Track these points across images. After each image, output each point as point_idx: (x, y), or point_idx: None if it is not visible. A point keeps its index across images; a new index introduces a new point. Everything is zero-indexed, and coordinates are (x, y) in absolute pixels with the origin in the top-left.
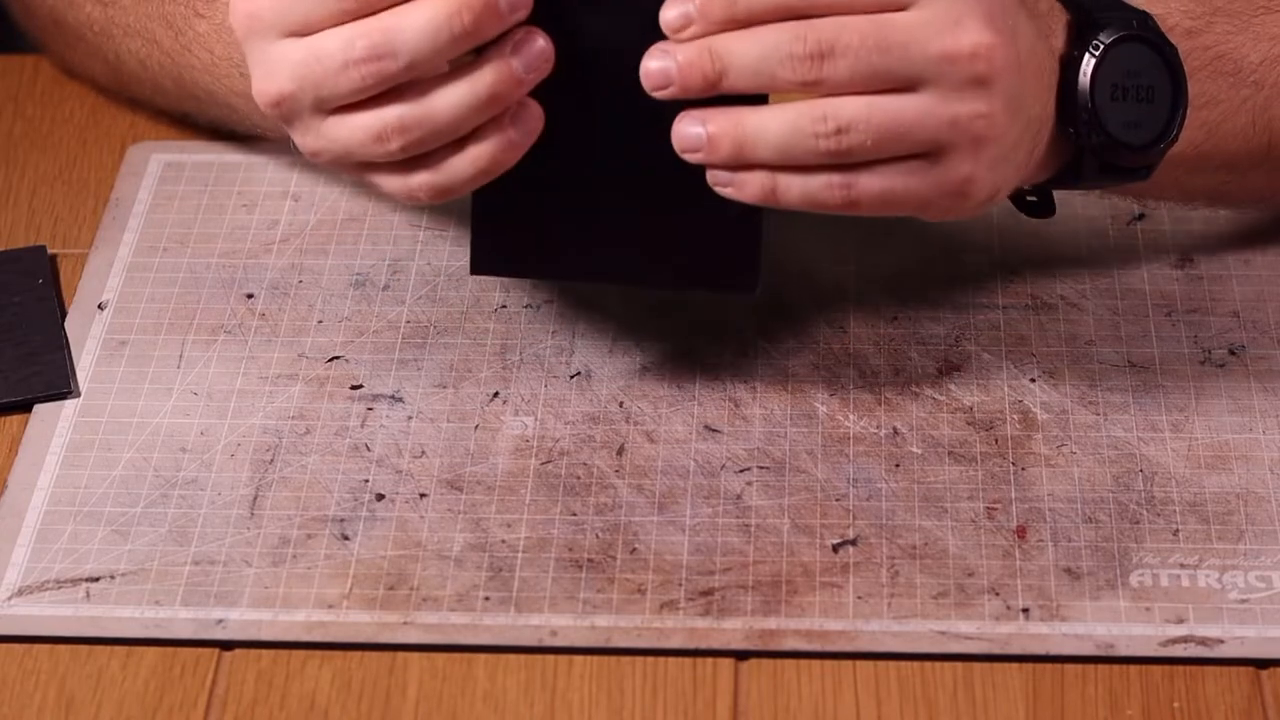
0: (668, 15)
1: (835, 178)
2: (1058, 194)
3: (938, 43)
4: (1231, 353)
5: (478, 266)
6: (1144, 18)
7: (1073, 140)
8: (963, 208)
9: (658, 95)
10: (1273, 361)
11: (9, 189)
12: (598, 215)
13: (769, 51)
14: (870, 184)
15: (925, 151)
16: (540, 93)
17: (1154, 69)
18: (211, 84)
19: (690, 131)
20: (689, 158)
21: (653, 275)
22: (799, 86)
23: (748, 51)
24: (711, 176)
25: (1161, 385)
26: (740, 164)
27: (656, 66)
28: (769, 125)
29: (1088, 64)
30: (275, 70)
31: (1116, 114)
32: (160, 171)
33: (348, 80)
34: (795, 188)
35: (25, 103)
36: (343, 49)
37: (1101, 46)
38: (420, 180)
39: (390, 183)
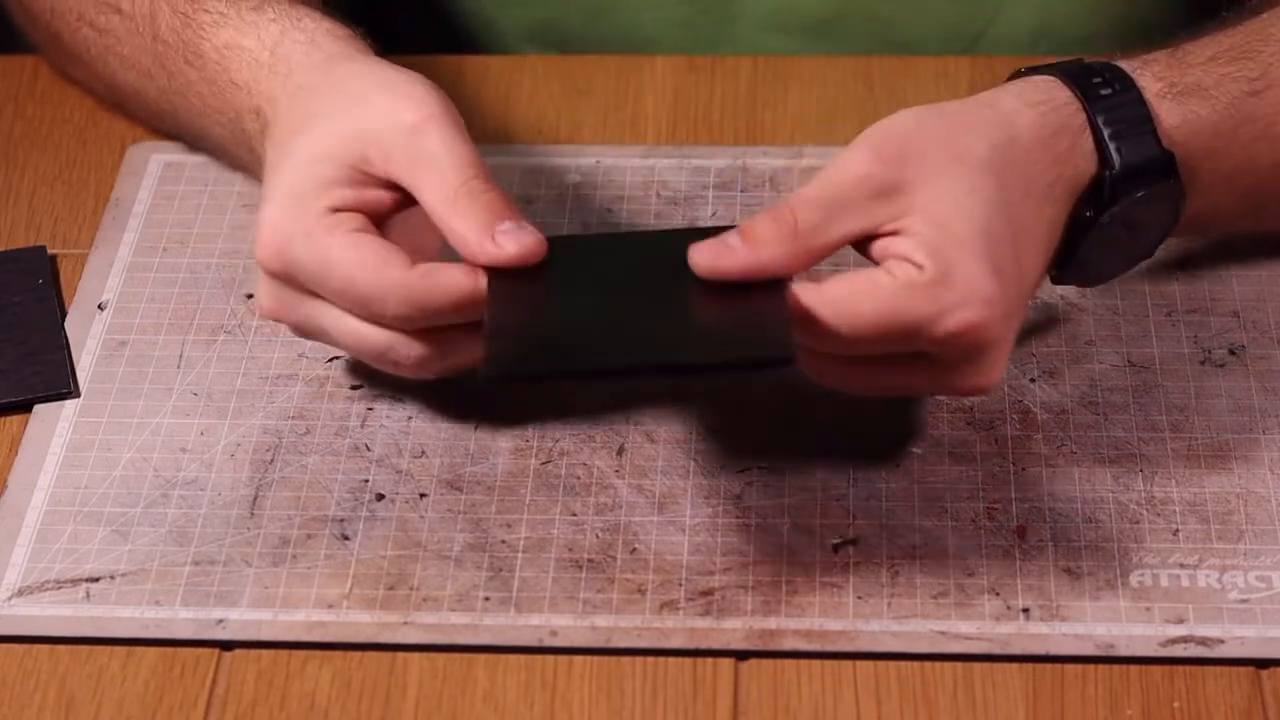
0: (698, 261)
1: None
2: None
3: (959, 388)
4: (1231, 353)
5: (493, 369)
6: (1169, 165)
7: (1052, 276)
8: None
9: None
10: (1273, 361)
11: (9, 189)
12: (623, 327)
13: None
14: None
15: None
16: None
17: (1153, 218)
18: (205, 127)
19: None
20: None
21: (686, 357)
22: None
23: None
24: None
25: (1161, 385)
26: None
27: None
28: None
29: (1095, 232)
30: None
31: (1105, 260)
32: (160, 171)
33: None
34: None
35: (25, 103)
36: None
37: (1112, 215)
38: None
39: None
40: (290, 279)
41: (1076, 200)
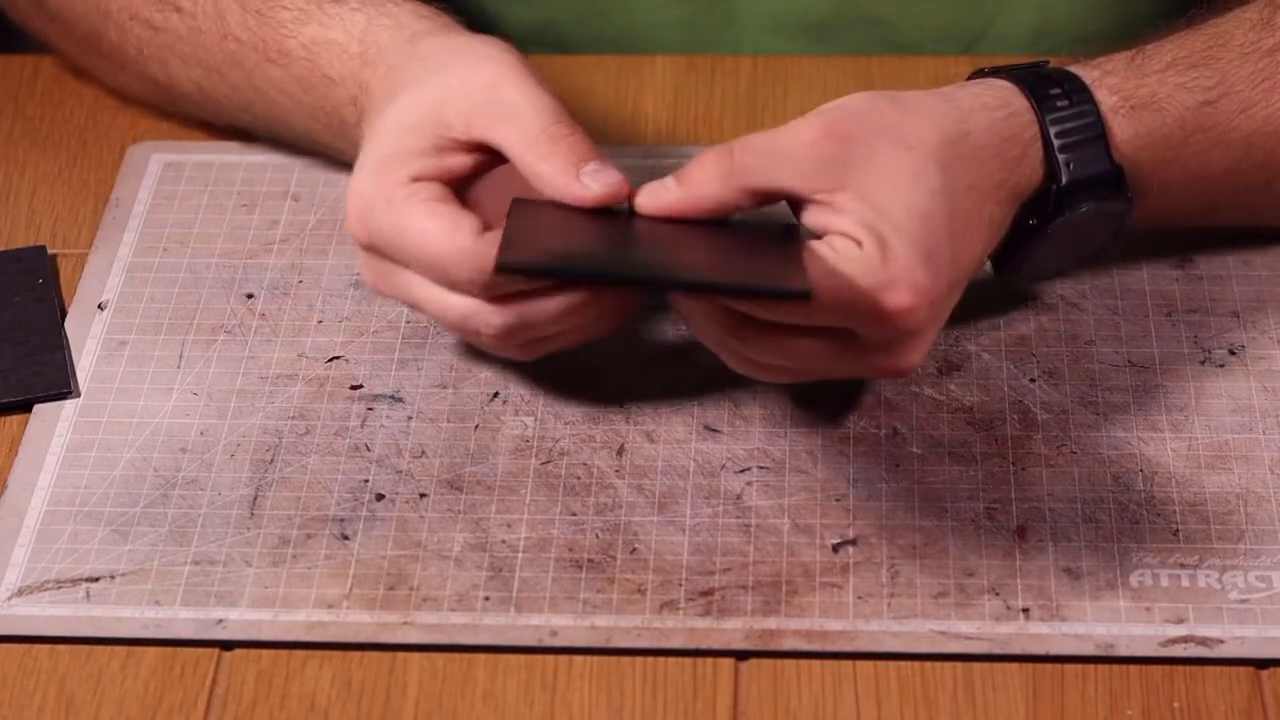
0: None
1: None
2: None
3: (878, 367)
4: (1231, 353)
5: (508, 259)
6: (1117, 178)
7: (994, 269)
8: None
9: None
10: (1273, 361)
11: (9, 189)
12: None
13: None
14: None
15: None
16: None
17: (1105, 225)
18: (295, 123)
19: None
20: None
21: (705, 277)
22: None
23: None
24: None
25: (1161, 385)
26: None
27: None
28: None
29: (1039, 237)
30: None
31: (1048, 262)
32: (160, 171)
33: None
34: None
35: (25, 103)
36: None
37: (1057, 225)
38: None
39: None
40: (376, 248)
41: (1021, 206)
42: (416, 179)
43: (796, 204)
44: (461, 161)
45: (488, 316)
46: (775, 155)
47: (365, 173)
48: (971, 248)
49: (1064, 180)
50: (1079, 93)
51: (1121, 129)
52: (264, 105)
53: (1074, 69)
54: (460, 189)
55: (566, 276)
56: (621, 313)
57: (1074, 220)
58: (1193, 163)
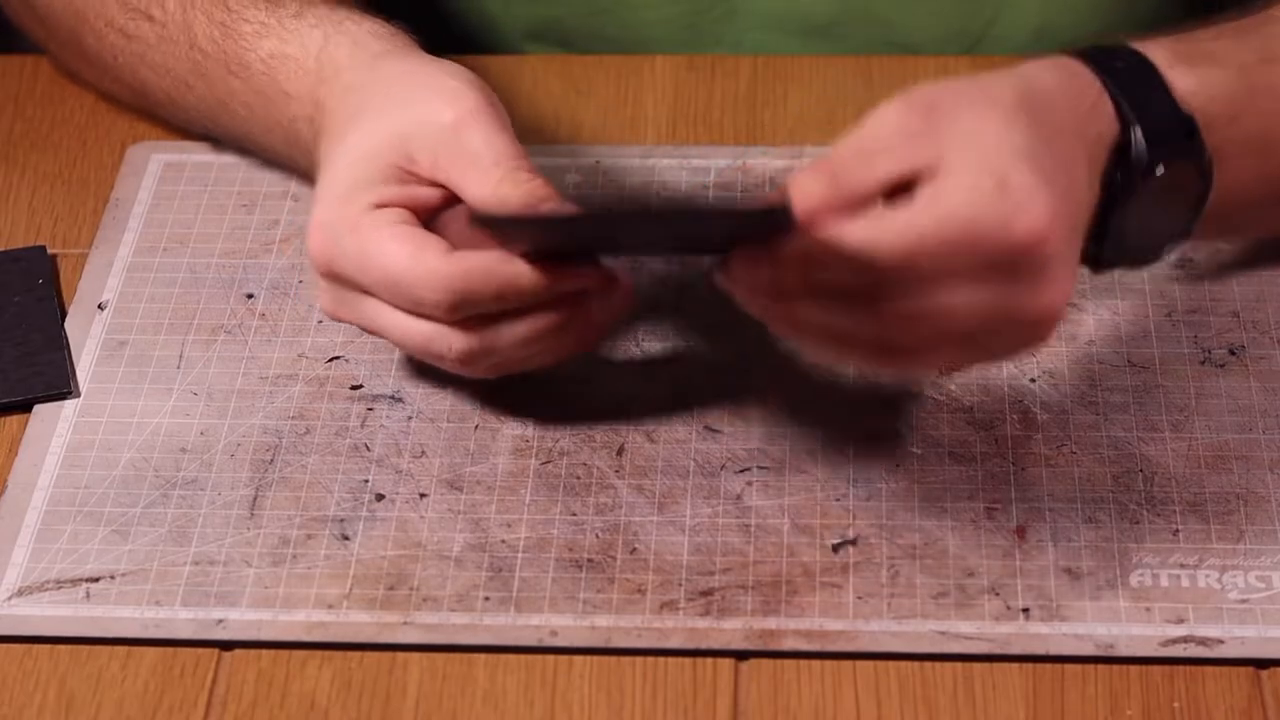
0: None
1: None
2: None
3: (1024, 312)
4: (1231, 353)
5: (484, 209)
6: (1190, 126)
7: (1092, 254)
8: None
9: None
10: (1273, 361)
11: (9, 189)
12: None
13: (838, 336)
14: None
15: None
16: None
17: (1185, 181)
18: (254, 135)
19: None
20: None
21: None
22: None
23: (825, 322)
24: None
25: (1161, 385)
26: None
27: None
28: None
29: (1127, 192)
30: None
31: (1140, 234)
32: (160, 171)
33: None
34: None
35: (25, 103)
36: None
37: (1141, 172)
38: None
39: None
40: (339, 277)
41: (1104, 164)
42: (381, 206)
43: (908, 189)
44: (426, 194)
45: (451, 340)
46: (869, 149)
47: (328, 201)
48: (1079, 188)
49: (1138, 127)
50: (1130, 53)
51: (1183, 80)
52: (227, 117)
53: (1118, 41)
54: (424, 221)
55: (546, 225)
56: (591, 331)
57: (1158, 180)
58: (1261, 123)
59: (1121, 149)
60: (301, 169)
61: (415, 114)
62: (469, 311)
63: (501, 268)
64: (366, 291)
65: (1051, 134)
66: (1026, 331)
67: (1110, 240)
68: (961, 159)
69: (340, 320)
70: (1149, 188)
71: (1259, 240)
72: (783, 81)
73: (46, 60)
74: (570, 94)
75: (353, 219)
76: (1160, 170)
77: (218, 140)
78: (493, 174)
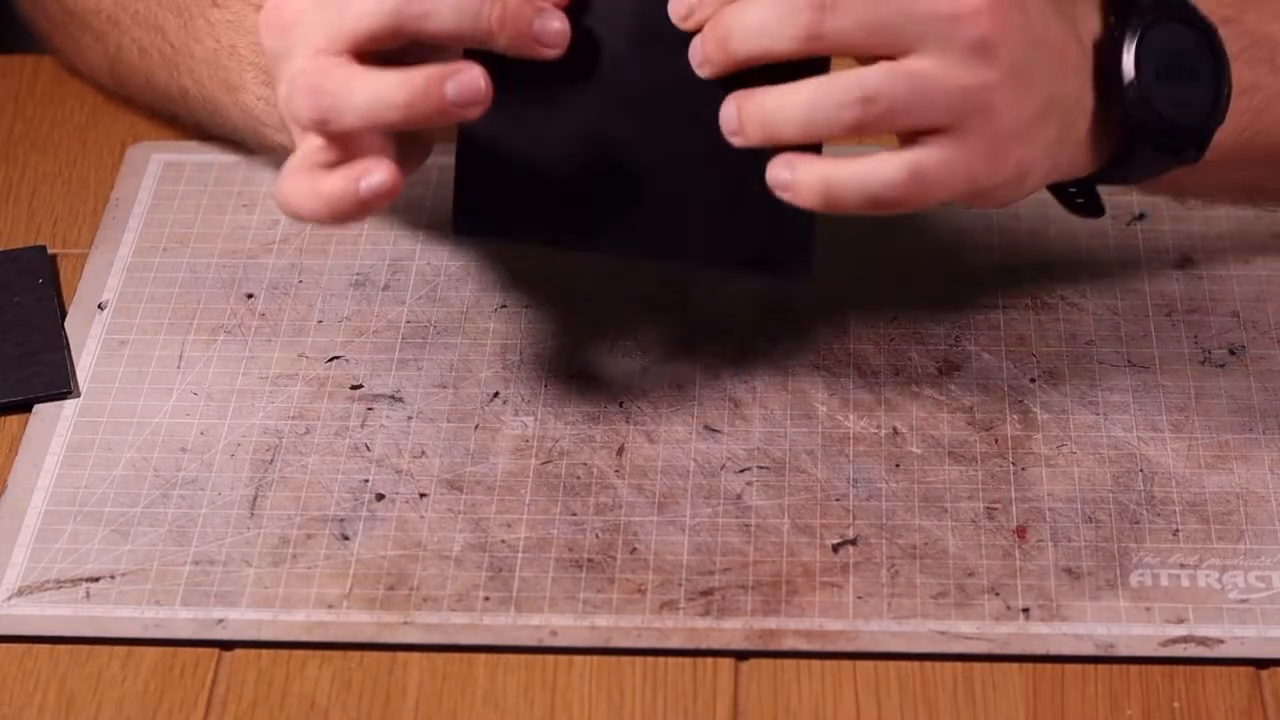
0: (675, 7)
1: (891, 162)
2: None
3: (940, 3)
4: (1231, 353)
5: (461, 225)
6: (1181, 1)
7: (1122, 123)
8: (999, 189)
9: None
10: (1273, 361)
11: (9, 189)
12: (621, 180)
13: (771, 7)
14: (923, 159)
15: (944, 125)
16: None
17: (1196, 49)
18: (205, 76)
19: (726, 111)
20: (732, 140)
21: (688, 250)
22: (801, 41)
23: (751, 10)
24: (771, 178)
25: (1161, 385)
26: (771, 142)
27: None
28: (791, 100)
29: (1130, 44)
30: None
31: (1164, 94)
32: (160, 171)
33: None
34: (853, 184)
35: (25, 103)
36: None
37: (1142, 25)
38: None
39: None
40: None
41: (1094, 32)
42: None
43: None
44: None
45: None
46: None
47: None
48: (1041, 11)
49: None
50: None
51: None
52: (185, 58)
53: None
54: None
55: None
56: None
57: (1160, 27)
58: (1253, 33)
59: (1112, 13)
60: (250, 118)
61: None
62: None
63: None
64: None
65: None
66: (954, 36)
67: (1135, 107)
68: None
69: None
70: (1152, 42)
71: (1258, 239)
72: None
73: (46, 60)
74: None
75: None
76: (1152, 22)
77: (167, 116)
78: None
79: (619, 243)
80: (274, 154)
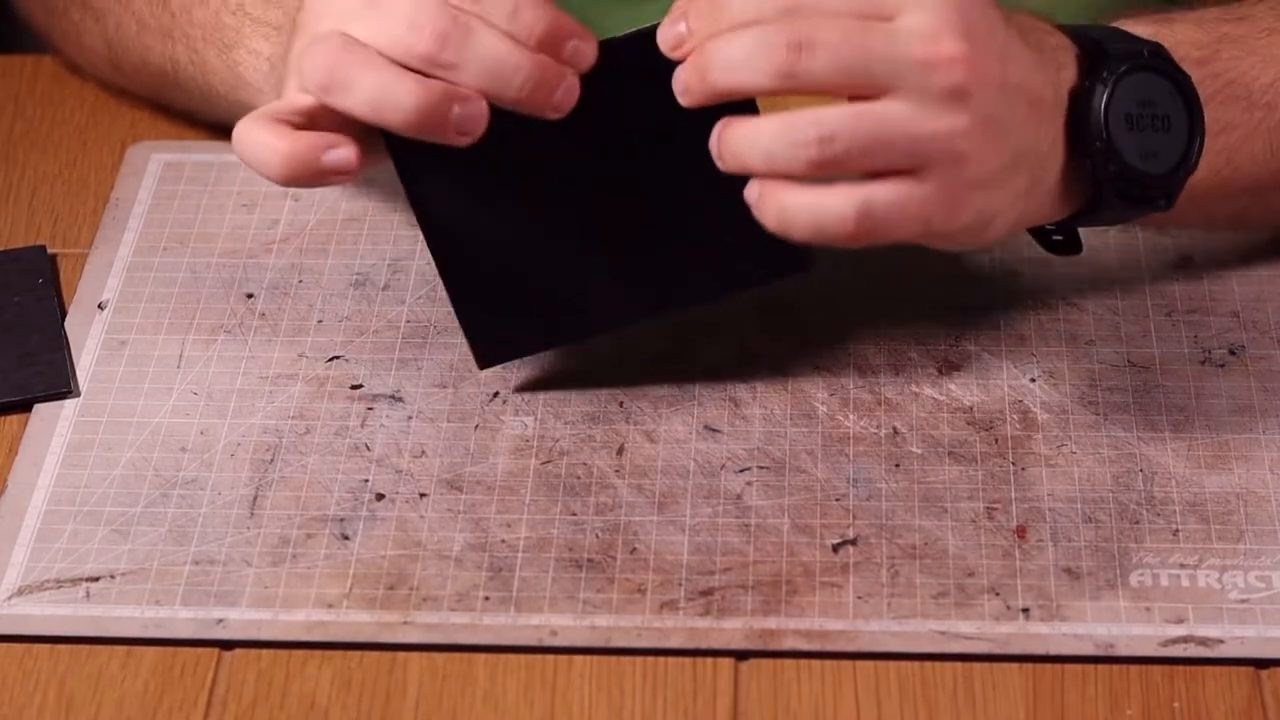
0: (664, 37)
1: (840, 197)
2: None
3: (916, 48)
4: (1231, 353)
5: (485, 363)
6: (1155, 48)
7: (1089, 173)
8: (959, 234)
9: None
10: (1273, 361)
11: (9, 189)
12: (618, 253)
13: (750, 45)
14: (875, 197)
15: (908, 168)
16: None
17: (1168, 98)
18: (200, 40)
19: (713, 137)
20: (719, 164)
21: (697, 293)
22: (776, 79)
23: (731, 46)
24: (746, 197)
25: (1161, 385)
26: (743, 172)
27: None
28: (755, 134)
29: (1100, 95)
30: None
31: (1132, 144)
32: (160, 171)
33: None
34: (803, 213)
35: (25, 103)
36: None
37: (1113, 76)
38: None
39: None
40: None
41: (1068, 80)
42: None
43: None
44: None
45: None
46: None
47: None
48: (1021, 61)
49: (1105, 45)
50: (1087, 25)
51: (1144, 29)
52: (183, 23)
53: None
54: None
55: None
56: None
57: (1133, 79)
58: (1235, 68)
59: (1087, 68)
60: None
61: None
62: None
63: None
64: None
65: (1004, 18)
66: (928, 83)
67: (1103, 158)
68: None
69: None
70: (1124, 94)
71: (1259, 240)
72: None
73: (46, 60)
74: None
75: None
76: (1126, 75)
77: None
78: None
79: (639, 311)
80: (235, 120)
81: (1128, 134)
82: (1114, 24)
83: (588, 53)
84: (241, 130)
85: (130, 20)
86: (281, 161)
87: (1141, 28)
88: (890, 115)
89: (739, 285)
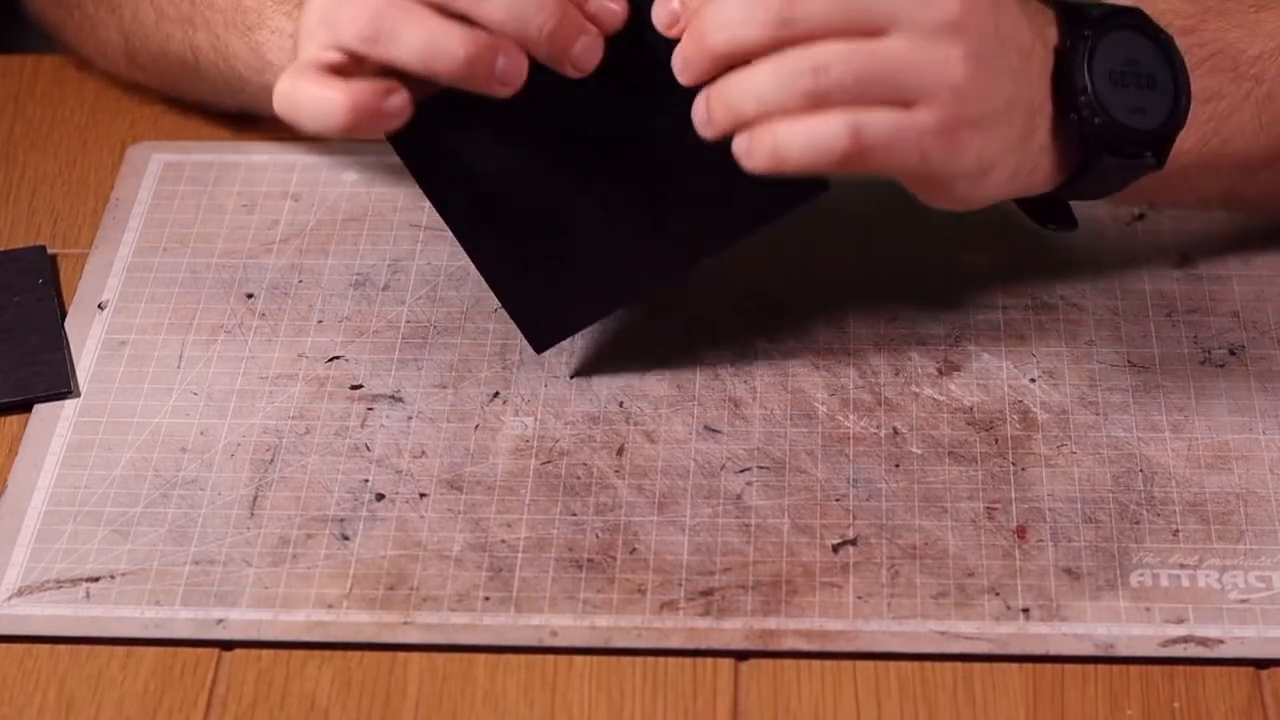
0: (658, 16)
1: (833, 119)
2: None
3: None
4: (1231, 353)
5: (541, 346)
6: (1136, 12)
7: (1076, 127)
8: (957, 179)
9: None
10: (1273, 361)
11: (9, 189)
12: (641, 217)
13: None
14: (869, 121)
15: (903, 99)
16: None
17: (1152, 57)
18: (221, 24)
19: (696, 107)
20: (703, 133)
21: (724, 234)
22: (772, 28)
23: (725, 6)
24: (735, 150)
25: (1161, 385)
26: (738, 124)
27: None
28: (753, 77)
29: (1082, 52)
30: None
31: (1118, 99)
32: (160, 171)
33: None
34: (797, 140)
35: (25, 103)
36: None
37: (1095, 35)
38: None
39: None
40: None
41: (1054, 40)
42: None
43: None
44: None
45: None
46: None
47: None
48: (1011, 10)
49: (1080, 9)
50: None
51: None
52: (204, 8)
53: None
54: None
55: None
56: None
57: (1111, 34)
58: (1221, 39)
59: (1069, 27)
60: (253, 68)
61: None
62: None
63: None
64: None
65: None
66: (927, 73)
67: (1090, 113)
68: None
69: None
70: (1107, 51)
71: (1258, 238)
72: None
73: (47, 60)
74: None
75: None
76: (1108, 34)
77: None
78: None
79: (676, 266)
80: (260, 104)
81: (1113, 90)
82: None
83: (616, 12)
84: (287, 89)
85: (148, 9)
86: (345, 110)
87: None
88: (888, 48)
89: (768, 218)
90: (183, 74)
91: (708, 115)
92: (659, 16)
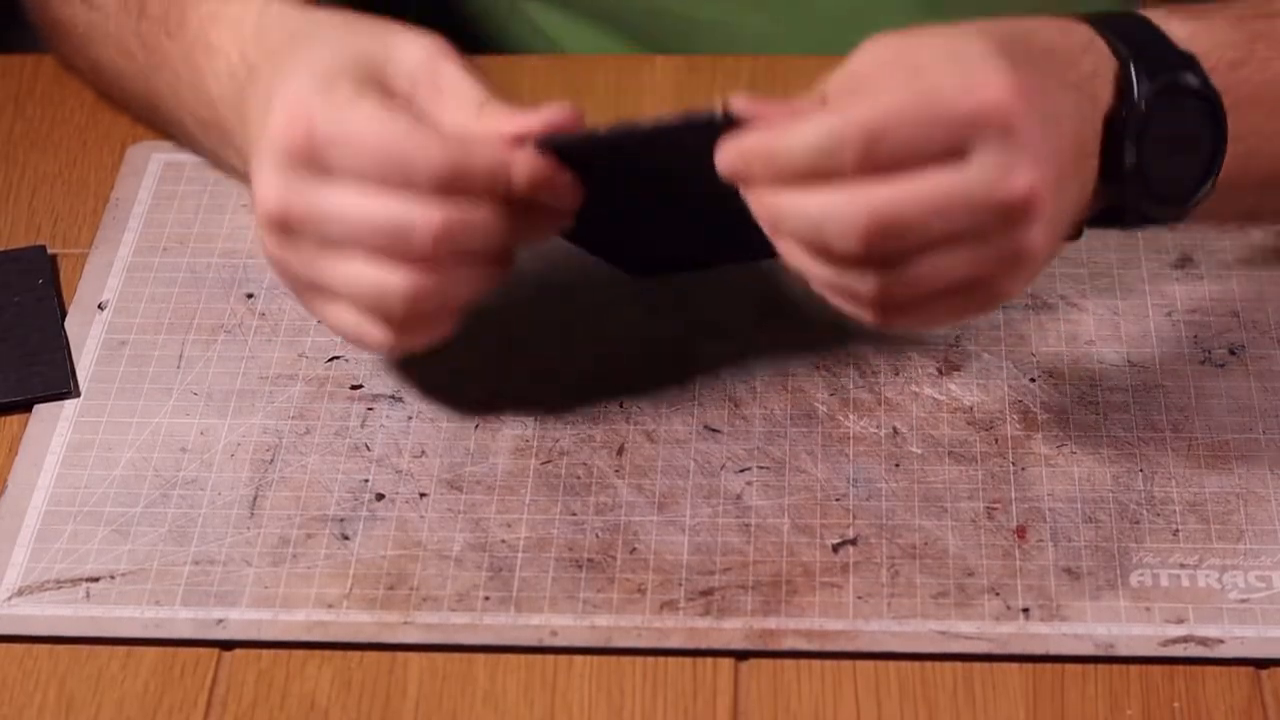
0: (721, 167)
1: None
2: None
3: (994, 193)
4: (1231, 352)
5: (635, 271)
6: (1190, 62)
7: (1116, 198)
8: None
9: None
10: (1273, 361)
11: (9, 189)
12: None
13: (828, 214)
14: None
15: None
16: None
17: (1198, 118)
18: (174, 106)
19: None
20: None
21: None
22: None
23: (803, 212)
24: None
25: (1161, 385)
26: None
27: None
28: (805, 204)
29: (1134, 125)
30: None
31: (1159, 169)
32: (160, 171)
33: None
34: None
35: (25, 103)
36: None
37: (1147, 102)
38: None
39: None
40: (312, 158)
41: (1104, 104)
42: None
43: None
44: (402, 105)
45: (427, 218)
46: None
47: (303, 85)
48: (1056, 94)
49: (1132, 61)
50: (1125, 13)
51: (1178, 28)
52: (160, 87)
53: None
54: None
55: (614, 143)
56: (553, 220)
57: (1165, 113)
58: (1269, 70)
59: (1123, 90)
60: (213, 147)
61: (384, 44)
62: (456, 188)
63: (500, 148)
64: (333, 180)
65: (1031, 52)
66: (1003, 220)
67: (1131, 183)
68: (929, 55)
69: (284, 214)
70: (1158, 123)
71: (1259, 238)
72: (783, 81)
73: (47, 60)
74: (570, 94)
75: (338, 98)
76: (1161, 100)
77: (156, 125)
78: (473, 105)
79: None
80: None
81: (1156, 162)
82: (1149, 14)
83: (523, 169)
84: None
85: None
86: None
87: (1177, 26)
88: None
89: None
90: (155, 120)
91: (764, 219)
92: (723, 163)
